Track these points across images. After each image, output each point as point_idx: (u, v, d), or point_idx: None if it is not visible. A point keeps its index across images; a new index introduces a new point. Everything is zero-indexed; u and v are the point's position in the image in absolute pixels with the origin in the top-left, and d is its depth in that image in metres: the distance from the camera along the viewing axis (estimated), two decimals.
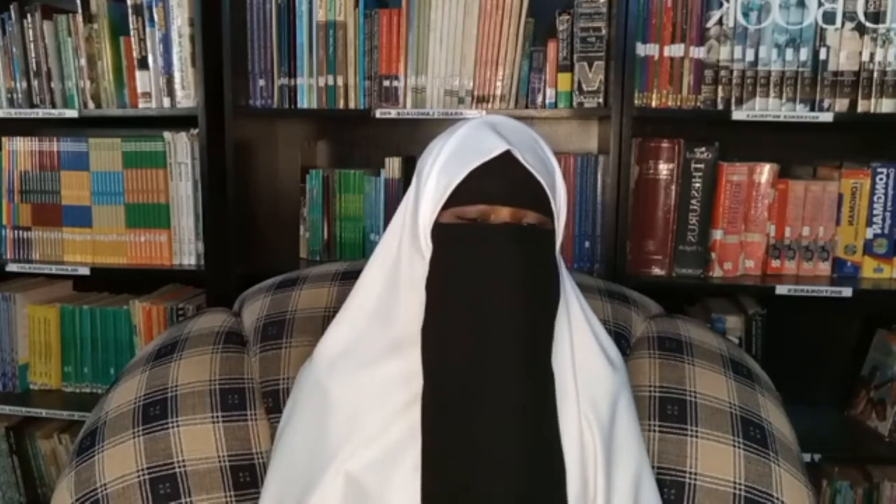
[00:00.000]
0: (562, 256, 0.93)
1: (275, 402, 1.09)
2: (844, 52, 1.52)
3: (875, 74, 1.51)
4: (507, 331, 0.82)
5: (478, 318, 0.83)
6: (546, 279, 0.87)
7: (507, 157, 0.84)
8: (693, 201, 1.58)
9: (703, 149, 1.56)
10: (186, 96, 1.66)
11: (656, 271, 1.61)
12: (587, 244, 1.64)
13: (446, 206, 0.85)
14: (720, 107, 1.55)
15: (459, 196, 0.84)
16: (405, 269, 0.90)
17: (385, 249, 0.94)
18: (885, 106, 1.52)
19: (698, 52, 1.54)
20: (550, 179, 0.87)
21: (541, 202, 0.85)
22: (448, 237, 0.86)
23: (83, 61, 1.71)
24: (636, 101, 1.54)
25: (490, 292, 0.83)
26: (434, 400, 0.84)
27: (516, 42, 1.58)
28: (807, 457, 1.35)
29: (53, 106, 1.75)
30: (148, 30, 1.67)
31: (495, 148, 0.84)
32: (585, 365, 0.90)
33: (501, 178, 0.84)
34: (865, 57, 1.51)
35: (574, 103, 1.57)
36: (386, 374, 0.89)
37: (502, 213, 0.84)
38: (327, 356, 0.94)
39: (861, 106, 1.52)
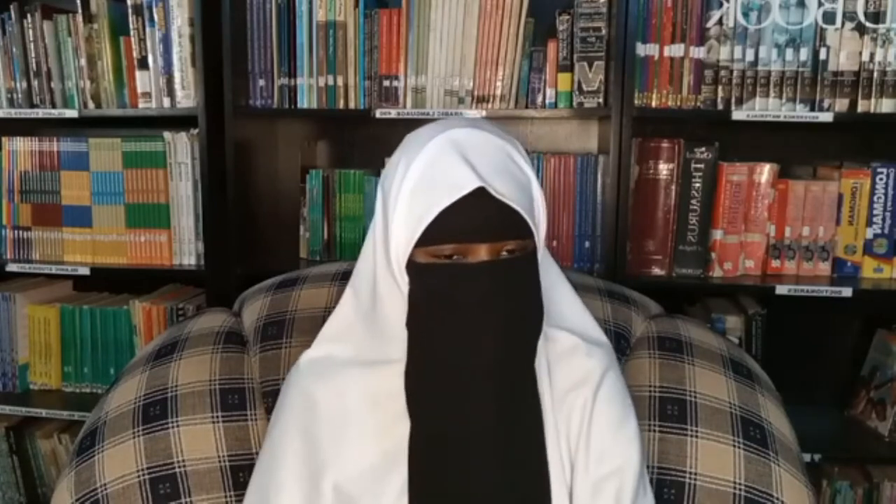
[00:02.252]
0: (559, 256, 0.92)
1: (275, 402, 1.08)
2: (844, 52, 1.52)
3: (875, 74, 1.51)
4: (493, 372, 0.81)
5: (461, 359, 0.81)
6: (529, 304, 0.84)
7: (479, 190, 0.78)
8: (693, 201, 1.58)
9: (703, 149, 1.56)
10: (186, 96, 1.66)
11: (656, 271, 1.61)
12: (587, 244, 1.64)
13: (419, 244, 0.80)
14: (720, 107, 1.55)
15: (431, 235, 0.79)
16: (382, 289, 0.88)
17: (362, 269, 0.92)
18: (885, 106, 1.52)
19: (698, 52, 1.54)
20: (527, 197, 0.82)
21: (518, 228, 0.80)
22: (424, 277, 0.82)
23: (83, 61, 1.71)
24: (636, 101, 1.53)
25: (473, 332, 0.80)
26: (421, 447, 0.84)
27: (516, 42, 1.58)
28: (807, 457, 1.35)
29: (53, 106, 1.75)
30: (148, 30, 1.67)
31: (466, 184, 0.78)
32: (560, 361, 0.89)
33: (475, 214, 0.78)
34: (865, 57, 1.51)
35: (574, 103, 1.57)
36: (374, 387, 0.88)
37: (479, 251, 0.80)
38: (315, 364, 0.94)
39: (861, 106, 1.52)
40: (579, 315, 0.95)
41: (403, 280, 0.84)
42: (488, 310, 0.80)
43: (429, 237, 0.80)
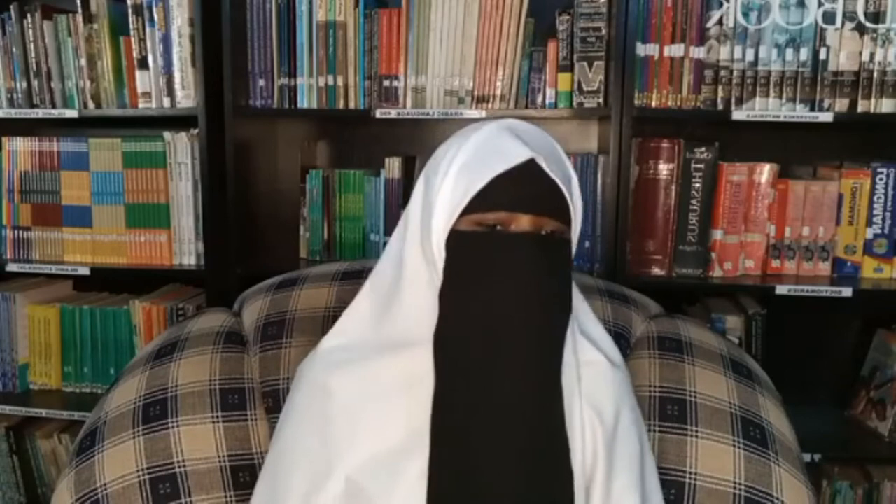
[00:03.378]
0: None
1: (275, 402, 1.09)
2: (844, 52, 1.52)
3: (875, 74, 1.51)
4: (525, 343, 0.82)
5: (497, 327, 0.82)
6: (562, 289, 0.86)
7: (530, 164, 0.81)
8: (693, 201, 1.58)
9: (703, 149, 1.56)
10: (186, 96, 1.66)
11: (656, 271, 1.61)
12: (587, 244, 1.64)
13: (465, 213, 0.83)
14: (720, 107, 1.55)
15: (479, 202, 0.82)
16: (409, 274, 0.88)
17: (388, 253, 0.93)
18: (885, 106, 1.52)
19: (698, 52, 1.54)
20: (569, 188, 0.85)
21: (561, 211, 0.84)
22: (468, 245, 0.83)
23: (83, 61, 1.71)
24: (636, 101, 1.53)
25: (510, 302, 0.81)
26: (446, 410, 0.84)
27: (516, 42, 1.58)
28: (807, 457, 1.35)
29: (53, 106, 1.75)
30: (148, 30, 1.67)
31: (520, 155, 0.82)
32: (588, 367, 0.90)
33: (525, 185, 0.82)
34: (865, 57, 1.51)
35: (574, 103, 1.57)
36: (388, 376, 0.88)
37: (523, 222, 0.82)
38: (330, 353, 0.94)
39: (861, 106, 1.52)
40: (600, 332, 0.96)
41: (441, 254, 0.85)
42: (527, 279, 0.82)
43: (477, 204, 0.82)
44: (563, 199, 0.83)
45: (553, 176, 0.82)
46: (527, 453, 0.82)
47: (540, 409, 0.83)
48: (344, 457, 0.87)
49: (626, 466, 0.89)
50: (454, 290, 0.84)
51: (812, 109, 1.53)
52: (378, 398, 0.88)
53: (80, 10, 1.70)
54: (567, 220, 0.85)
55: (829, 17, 1.51)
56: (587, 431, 0.88)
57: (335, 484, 0.86)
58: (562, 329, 0.85)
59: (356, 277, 1.04)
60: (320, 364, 0.94)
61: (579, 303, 0.94)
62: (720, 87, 1.55)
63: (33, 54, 1.74)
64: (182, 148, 1.69)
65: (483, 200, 0.82)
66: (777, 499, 0.99)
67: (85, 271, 1.73)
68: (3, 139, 1.79)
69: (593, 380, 0.90)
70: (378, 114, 1.60)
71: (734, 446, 1.01)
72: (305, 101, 1.65)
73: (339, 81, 1.63)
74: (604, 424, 0.89)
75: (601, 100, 1.56)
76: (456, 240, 0.84)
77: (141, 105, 1.70)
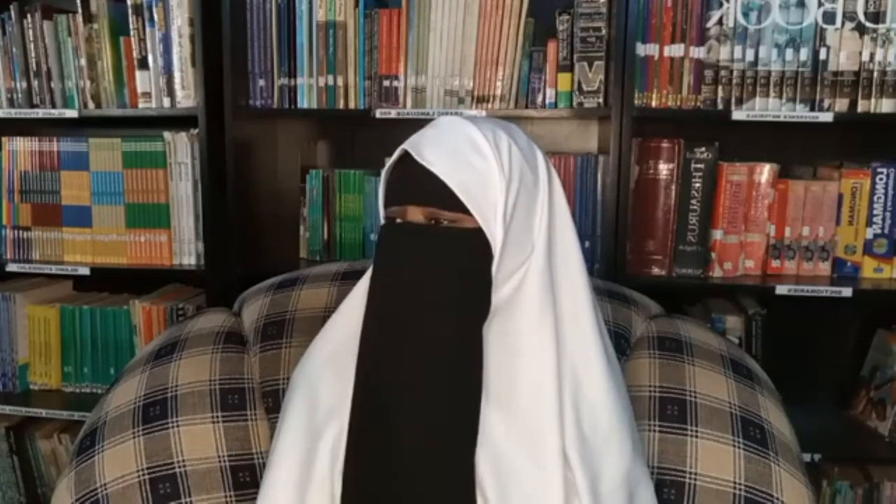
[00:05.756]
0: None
1: (275, 402, 1.09)
2: (844, 52, 1.52)
3: (875, 74, 1.51)
4: (409, 336, 0.84)
5: (386, 312, 0.86)
6: (446, 276, 0.84)
7: (410, 157, 0.84)
8: (693, 201, 1.58)
9: (703, 149, 1.56)
10: (186, 96, 1.66)
11: (656, 271, 1.61)
12: (587, 244, 1.64)
13: (386, 206, 0.89)
14: (720, 107, 1.55)
15: (385, 197, 0.89)
16: None
17: None
18: (885, 106, 1.52)
19: (698, 52, 1.54)
20: (474, 178, 0.82)
21: (449, 200, 0.82)
22: (379, 236, 0.90)
23: (83, 61, 1.71)
24: (636, 101, 1.53)
25: (396, 292, 0.85)
26: (356, 403, 0.87)
27: (516, 42, 1.58)
28: (807, 457, 1.35)
29: (53, 106, 1.75)
30: (148, 30, 1.67)
31: (398, 150, 0.87)
32: (584, 394, 0.86)
33: (404, 177, 0.85)
34: (865, 57, 1.51)
35: (574, 103, 1.57)
36: None
37: (412, 213, 0.85)
38: (318, 358, 0.95)
39: (861, 106, 1.52)
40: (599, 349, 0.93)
41: None
42: (404, 265, 0.85)
43: (386, 199, 0.89)
44: (452, 190, 0.82)
45: (428, 166, 0.82)
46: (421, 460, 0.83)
47: (426, 395, 0.84)
48: (334, 420, 0.88)
49: (613, 488, 0.86)
50: (372, 278, 0.89)
51: (812, 109, 1.53)
52: None
53: (80, 10, 1.70)
54: (464, 208, 0.82)
55: (829, 17, 1.51)
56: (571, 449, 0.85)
57: (323, 448, 0.88)
58: (452, 315, 0.84)
59: (356, 277, 1.04)
60: (310, 369, 0.94)
61: (585, 309, 0.90)
62: (720, 87, 1.55)
63: (33, 54, 1.74)
64: (182, 148, 1.69)
65: (387, 196, 0.89)
66: (777, 499, 0.99)
67: (85, 271, 1.73)
68: (3, 139, 1.79)
69: (583, 401, 0.87)
70: (378, 114, 1.60)
71: (734, 446, 1.01)
72: (305, 101, 1.65)
73: (339, 81, 1.63)
74: (586, 443, 0.85)
75: (601, 100, 1.56)
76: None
77: (141, 105, 1.70)
